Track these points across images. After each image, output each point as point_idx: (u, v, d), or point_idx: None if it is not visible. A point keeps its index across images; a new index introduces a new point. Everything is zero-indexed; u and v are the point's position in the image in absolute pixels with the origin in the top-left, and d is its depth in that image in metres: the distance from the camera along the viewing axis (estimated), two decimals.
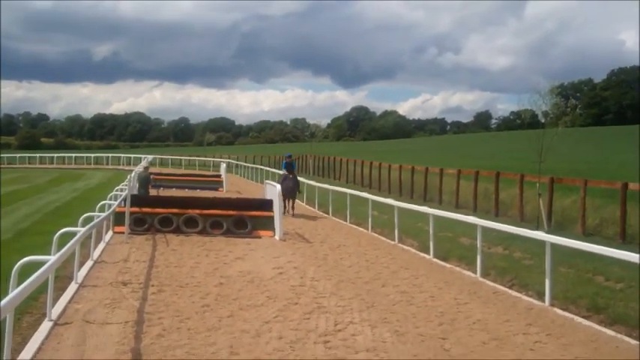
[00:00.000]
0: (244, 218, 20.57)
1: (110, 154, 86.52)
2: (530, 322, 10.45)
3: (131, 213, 19.52)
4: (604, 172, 29.06)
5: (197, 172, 58.56)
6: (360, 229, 22.92)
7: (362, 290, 12.59)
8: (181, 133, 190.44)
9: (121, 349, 8.44)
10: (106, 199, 20.71)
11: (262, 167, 52.25)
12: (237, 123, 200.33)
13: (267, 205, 21.46)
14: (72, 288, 11.94)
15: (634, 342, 9.53)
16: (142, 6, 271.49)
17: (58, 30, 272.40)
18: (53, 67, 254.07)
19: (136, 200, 20.65)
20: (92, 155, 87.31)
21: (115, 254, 16.09)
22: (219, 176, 45.29)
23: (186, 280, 13.07)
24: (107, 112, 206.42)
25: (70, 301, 10.93)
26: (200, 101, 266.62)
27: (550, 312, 11.29)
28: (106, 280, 12.79)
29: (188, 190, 37.86)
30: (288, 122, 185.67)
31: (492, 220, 17.72)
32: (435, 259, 16.66)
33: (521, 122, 28.84)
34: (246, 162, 64.90)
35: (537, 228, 18.89)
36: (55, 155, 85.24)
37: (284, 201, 25.37)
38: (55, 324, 9.50)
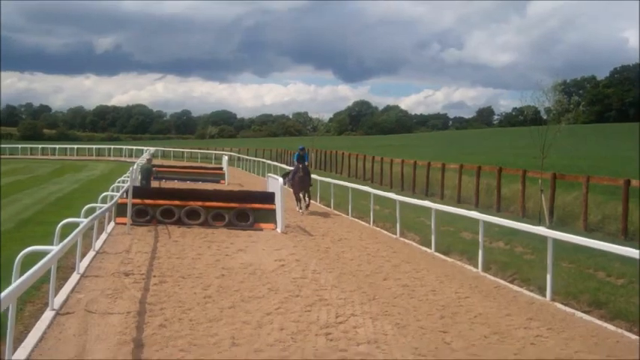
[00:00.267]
0: (246, 211, 20.59)
1: (112, 146, 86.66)
2: (531, 316, 10.46)
3: (133, 204, 19.54)
4: (606, 168, 29.03)
5: (199, 164, 58.59)
6: (362, 222, 22.93)
7: (363, 283, 12.60)
8: (183, 126, 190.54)
9: (122, 339, 8.47)
10: (107, 191, 20.74)
11: (264, 160, 52.27)
12: (239, 116, 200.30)
13: (269, 197, 21.46)
14: (74, 278, 11.97)
15: (634, 337, 9.54)
16: None
17: (60, 22, 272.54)
18: (55, 58, 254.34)
19: (138, 192, 20.67)
20: (94, 147, 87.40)
21: (117, 245, 16.13)
22: (221, 169, 45.35)
23: (188, 272, 13.10)
24: (109, 104, 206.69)
25: (72, 291, 10.97)
26: (202, 94, 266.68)
27: (551, 307, 11.30)
28: (108, 271, 12.83)
29: (190, 182, 37.91)
30: (291, 116, 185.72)
31: (494, 215, 17.73)
32: (437, 253, 16.67)
33: (524, 118, 28.81)
34: (248, 155, 64.91)
35: (539, 223, 18.89)
36: (57, 146, 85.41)
37: (296, 195, 25.68)
38: (57, 313, 9.53)
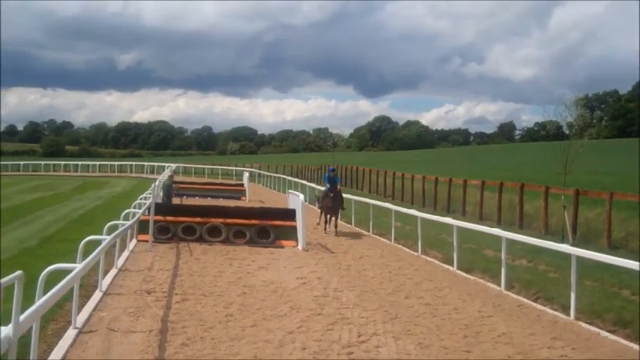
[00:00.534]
0: (267, 228, 20.60)
1: (134, 162, 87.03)
2: (555, 335, 10.35)
3: (155, 221, 19.61)
4: (630, 184, 28.77)
5: (220, 180, 58.77)
6: (384, 239, 22.85)
7: (385, 301, 12.54)
8: (204, 142, 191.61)
9: (145, 357, 8.47)
10: (129, 208, 20.83)
11: (285, 177, 52.32)
12: (259, 132, 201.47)
13: (290, 214, 21.47)
14: (96, 296, 12.01)
15: None
16: (166, 15, 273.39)
17: (82, 38, 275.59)
18: (78, 75, 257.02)
19: (159, 209, 20.74)
20: (116, 163, 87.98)
21: (139, 262, 16.17)
22: (241, 185, 45.46)
23: (210, 289, 13.10)
24: (131, 120, 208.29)
25: (94, 309, 11.00)
26: (223, 110, 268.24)
27: (575, 326, 11.19)
28: (130, 289, 12.86)
29: (211, 198, 38.01)
30: (311, 132, 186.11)
31: (516, 232, 17.60)
32: (459, 271, 16.57)
33: (546, 133, 28.63)
34: (268, 171, 65.05)
35: (562, 240, 18.74)
36: (80, 163, 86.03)
37: (325, 217, 24.86)
38: (80, 332, 9.56)
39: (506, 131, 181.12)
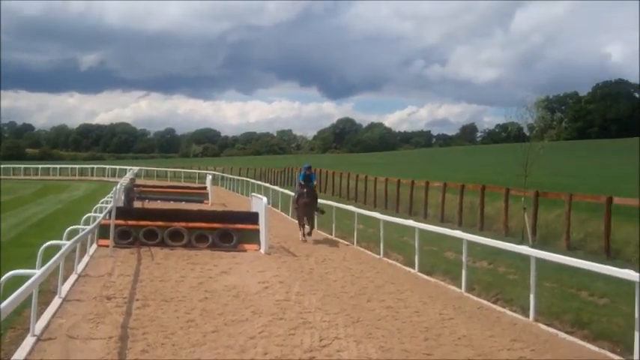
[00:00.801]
0: (230, 231, 20.54)
1: (95, 166, 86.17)
2: (514, 337, 10.47)
3: (116, 226, 19.44)
4: (589, 185, 29.22)
5: (182, 184, 58.47)
6: (346, 242, 22.91)
7: (347, 305, 12.58)
8: (167, 145, 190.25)
9: None
10: (90, 212, 20.63)
11: (248, 179, 52.20)
12: (223, 134, 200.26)
13: (253, 217, 21.41)
14: (56, 302, 11.86)
15: (617, 357, 9.57)
16: (130, 15, 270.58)
17: (45, 38, 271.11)
18: (39, 76, 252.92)
19: (121, 213, 20.57)
20: (77, 166, 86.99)
21: (100, 268, 16.01)
22: (204, 188, 45.28)
23: (171, 295, 13.02)
24: (93, 122, 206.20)
25: (53, 316, 10.86)
26: (186, 112, 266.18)
27: (534, 327, 11.32)
28: (90, 295, 12.72)
29: (173, 202, 37.76)
30: (275, 134, 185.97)
31: (477, 234, 17.78)
32: (420, 274, 16.68)
33: (507, 135, 28.95)
34: (232, 174, 64.84)
35: (522, 242, 18.96)
36: (40, 166, 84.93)
37: (300, 221, 23.63)
38: (39, 339, 9.43)
39: (468, 133, 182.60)
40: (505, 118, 27.57)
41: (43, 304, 11.48)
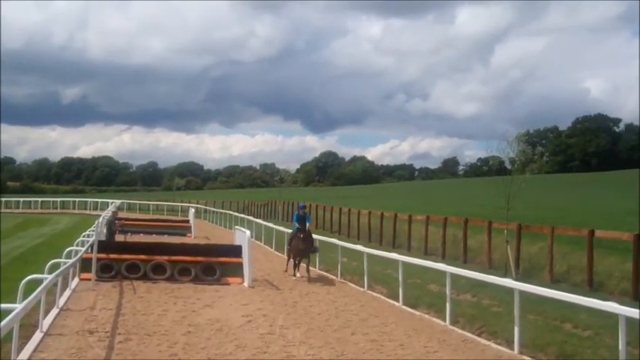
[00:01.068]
0: (213, 265, 20.45)
1: (77, 199, 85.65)
2: None
3: (98, 259, 19.31)
4: (571, 218, 29.35)
5: (165, 217, 58.22)
6: (330, 275, 22.85)
7: (331, 338, 12.53)
8: (150, 178, 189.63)
9: None
10: (72, 245, 20.49)
11: (231, 212, 52.07)
12: (206, 168, 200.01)
13: (235, 251, 21.35)
14: (37, 337, 11.73)
15: None
16: (113, 49, 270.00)
17: (26, 72, 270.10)
18: (21, 109, 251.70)
19: (103, 246, 20.45)
20: (59, 200, 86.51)
21: (82, 302, 15.87)
22: (187, 221, 45.15)
23: (154, 329, 12.92)
24: (75, 155, 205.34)
25: (35, 350, 10.75)
26: (169, 145, 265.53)
27: None
28: (72, 329, 12.61)
29: (156, 235, 37.55)
30: (258, 167, 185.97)
31: (461, 267, 17.80)
32: (405, 307, 16.65)
33: (489, 169, 29.11)
34: (215, 207, 64.69)
35: (505, 275, 18.99)
36: (21, 199, 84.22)
37: (293, 261, 22.69)
38: None
39: (449, 166, 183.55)
40: (486, 152, 27.76)
41: (24, 339, 11.36)
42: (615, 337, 9.57)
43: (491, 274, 15.47)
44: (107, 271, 19.90)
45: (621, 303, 10.27)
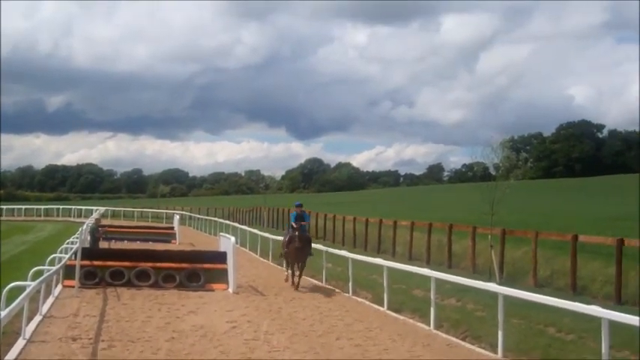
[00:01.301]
0: (197, 271, 20.40)
1: (61, 206, 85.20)
2: None
3: (82, 266, 19.22)
4: (554, 223, 29.47)
5: (150, 224, 58.02)
6: (314, 281, 22.83)
7: (316, 344, 12.52)
8: (134, 185, 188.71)
9: None
10: (56, 252, 20.38)
11: (216, 219, 51.98)
12: (191, 174, 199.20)
13: (220, 257, 21.30)
14: (20, 344, 11.65)
15: None
16: (98, 56, 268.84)
17: (10, 79, 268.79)
18: (5, 117, 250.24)
19: (86, 253, 20.36)
20: (42, 207, 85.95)
21: (65, 309, 15.79)
22: (172, 228, 45.05)
23: (138, 335, 12.86)
24: (59, 163, 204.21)
25: (17, 358, 10.67)
26: (154, 152, 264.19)
27: None
28: (55, 336, 12.54)
29: (140, 242, 37.43)
30: (243, 174, 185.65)
31: (445, 272, 17.82)
32: (389, 311, 16.67)
33: (473, 175, 29.18)
34: (199, 214, 64.54)
35: (489, 279, 19.03)
36: (5, 207, 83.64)
37: (289, 266, 21.66)
38: None
39: (435, 173, 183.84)
40: (471, 158, 27.84)
41: (7, 346, 11.29)
42: (598, 340, 9.62)
43: (476, 279, 15.54)
44: (91, 278, 19.80)
45: (605, 307, 10.32)
